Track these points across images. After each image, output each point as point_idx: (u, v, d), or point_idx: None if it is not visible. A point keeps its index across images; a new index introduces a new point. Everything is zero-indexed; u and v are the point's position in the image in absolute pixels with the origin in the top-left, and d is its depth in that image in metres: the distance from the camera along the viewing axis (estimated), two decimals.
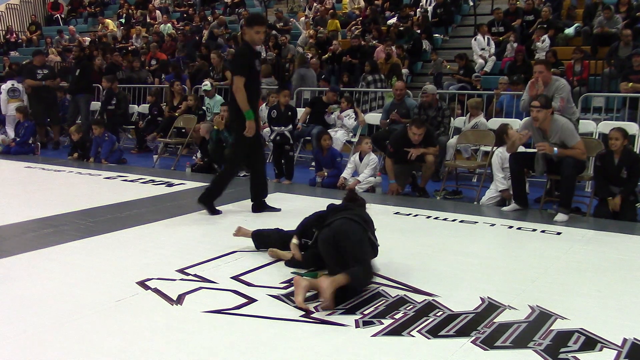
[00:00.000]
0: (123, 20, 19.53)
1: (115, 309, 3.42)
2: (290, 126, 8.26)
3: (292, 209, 6.01)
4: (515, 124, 7.65)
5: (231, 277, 3.96)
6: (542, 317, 3.35)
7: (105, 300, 3.53)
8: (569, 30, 12.11)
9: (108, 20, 19.78)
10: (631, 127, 7.58)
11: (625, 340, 3.06)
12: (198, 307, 3.45)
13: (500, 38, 12.31)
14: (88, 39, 18.08)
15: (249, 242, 4.58)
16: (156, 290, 3.71)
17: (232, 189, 7.18)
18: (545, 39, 11.39)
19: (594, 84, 10.20)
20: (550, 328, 3.20)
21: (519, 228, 5.51)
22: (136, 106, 12.42)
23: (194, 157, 9.38)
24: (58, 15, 22.18)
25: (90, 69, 12.27)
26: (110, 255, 4.47)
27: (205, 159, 8.88)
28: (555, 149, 5.84)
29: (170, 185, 7.51)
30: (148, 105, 11.77)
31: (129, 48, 16.48)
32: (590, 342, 3.04)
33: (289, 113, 8.31)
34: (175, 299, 3.58)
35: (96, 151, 9.66)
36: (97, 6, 21.92)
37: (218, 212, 5.86)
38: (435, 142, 7.24)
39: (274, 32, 14.86)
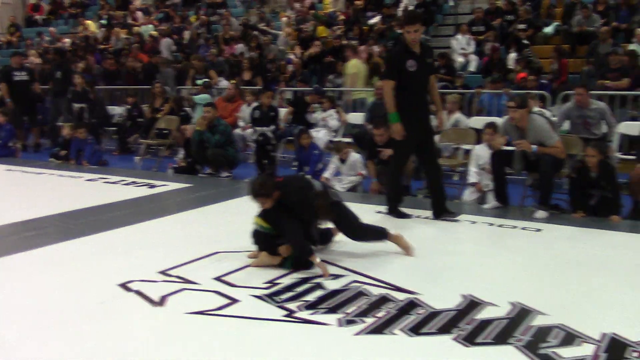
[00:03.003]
0: (104, 22, 19.39)
1: (97, 311, 3.41)
2: (273, 126, 8.27)
3: None
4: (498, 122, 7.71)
5: (213, 278, 3.96)
6: (522, 313, 3.39)
7: (87, 302, 3.52)
8: (548, 29, 12.24)
9: (89, 22, 19.60)
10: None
11: (603, 335, 3.11)
12: (181, 308, 3.45)
13: (480, 37, 12.40)
14: (68, 40, 17.92)
15: (231, 243, 4.58)
16: (138, 292, 3.70)
17: (214, 189, 7.19)
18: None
19: (573, 82, 10.30)
20: (531, 324, 3.24)
21: (499, 225, 5.56)
22: (117, 107, 12.34)
23: (176, 159, 9.35)
24: (38, 16, 21.96)
25: (72, 71, 12.18)
26: (93, 257, 4.44)
27: (189, 160, 8.85)
28: (534, 146, 5.91)
29: (152, 186, 7.47)
30: (128, 107, 11.68)
31: (110, 49, 16.37)
32: (570, 338, 3.08)
33: (272, 113, 8.31)
34: (157, 300, 3.57)
35: (76, 153, 9.58)
36: (78, 7, 21.72)
37: (407, 216, 5.82)
38: None
39: (255, 32, 14.86)
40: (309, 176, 5.12)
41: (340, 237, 4.63)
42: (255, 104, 9.05)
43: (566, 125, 7.40)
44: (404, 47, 5.53)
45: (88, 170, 8.94)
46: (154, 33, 16.28)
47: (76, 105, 11.16)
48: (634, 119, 8.24)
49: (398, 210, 5.83)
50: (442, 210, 5.72)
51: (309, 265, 4.11)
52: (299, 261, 4.15)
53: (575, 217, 5.79)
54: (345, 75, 11.18)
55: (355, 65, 11.04)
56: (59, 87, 11.67)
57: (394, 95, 5.49)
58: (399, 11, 14.33)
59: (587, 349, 2.95)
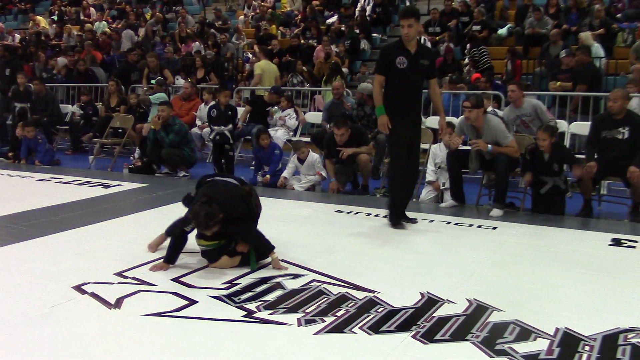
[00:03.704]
0: (55, 18, 18.92)
1: (49, 315, 3.31)
2: (231, 126, 8.22)
3: None
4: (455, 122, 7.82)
5: (171, 279, 3.91)
6: (479, 310, 3.44)
7: (38, 306, 3.42)
8: (502, 31, 12.49)
9: (39, 18, 19.12)
10: (561, 125, 7.87)
11: (557, 329, 3.18)
12: (137, 310, 3.39)
13: (437, 38, 12.56)
14: (18, 36, 17.44)
15: (189, 244, 4.51)
16: (93, 295, 3.61)
17: (171, 189, 7.09)
18: None
19: (531, 83, 10.54)
20: (487, 320, 3.30)
21: (456, 224, 5.64)
22: (70, 106, 12.05)
23: (131, 158, 9.19)
24: None
25: (21, 67, 11.85)
26: (45, 260, 4.32)
27: (144, 159, 8.71)
28: (489, 146, 6.02)
29: (107, 186, 7.33)
30: (81, 104, 11.41)
31: (62, 46, 15.99)
32: (525, 333, 3.14)
33: (229, 113, 8.26)
34: (113, 302, 3.49)
35: (27, 153, 9.33)
36: (28, 3, 21.15)
37: (413, 221, 5.61)
38: (367, 140, 7.35)
39: (212, 30, 14.73)
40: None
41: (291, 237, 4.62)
42: (212, 103, 8.96)
43: None
44: (398, 43, 5.41)
45: (40, 170, 8.71)
46: (108, 30, 15.98)
47: (18, 105, 10.84)
48: (584, 119, 8.45)
49: (404, 215, 5.57)
50: (402, 215, 5.57)
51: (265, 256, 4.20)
52: (260, 255, 4.22)
53: (525, 180, 6.10)
54: (255, 75, 11.23)
55: (260, 66, 11.10)
56: (7, 85, 11.34)
57: (383, 91, 5.35)
58: (356, 11, 14.43)
59: (542, 344, 3.01)
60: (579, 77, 9.08)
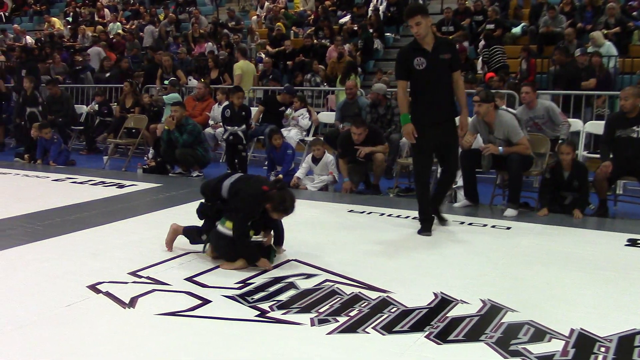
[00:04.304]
0: (70, 19, 19.07)
1: (65, 314, 3.34)
2: (244, 126, 8.24)
3: None
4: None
5: (185, 279, 3.92)
6: (493, 311, 3.42)
7: (54, 305, 3.44)
8: (516, 30, 12.42)
9: (54, 19, 19.30)
10: (575, 124, 7.82)
11: (572, 330, 3.15)
12: (151, 309, 3.40)
13: (450, 37, 12.50)
14: (30, 38, 17.59)
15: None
16: (108, 294, 3.63)
17: (185, 189, 7.12)
18: None
19: (540, 82, 10.47)
20: (501, 321, 3.27)
21: (470, 224, 5.62)
22: (84, 107, 12.14)
23: (145, 158, 9.24)
24: (2, 13, 21.51)
25: (37, 68, 11.95)
26: (60, 259, 4.35)
27: (158, 159, 8.75)
28: (500, 148, 5.97)
29: (121, 186, 7.37)
30: (93, 105, 11.49)
31: (76, 47, 16.12)
32: (540, 334, 3.11)
33: (243, 113, 8.27)
34: (127, 302, 3.51)
35: (42, 153, 9.41)
36: (43, 4, 21.34)
37: (444, 222, 5.49)
38: (382, 139, 7.34)
39: (225, 30, 14.78)
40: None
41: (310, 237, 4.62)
42: (226, 103, 8.99)
43: None
44: (413, 43, 5.12)
45: (55, 170, 8.78)
46: (121, 32, 16.09)
47: (28, 109, 10.92)
48: (599, 118, 8.39)
49: (438, 215, 5.46)
50: (431, 220, 5.36)
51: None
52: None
53: (540, 215, 5.87)
54: (235, 76, 11.25)
55: (240, 67, 11.13)
56: (23, 86, 11.42)
57: (409, 96, 5.14)
58: (369, 11, 14.41)
59: (557, 345, 2.98)
60: (557, 78, 9.08)
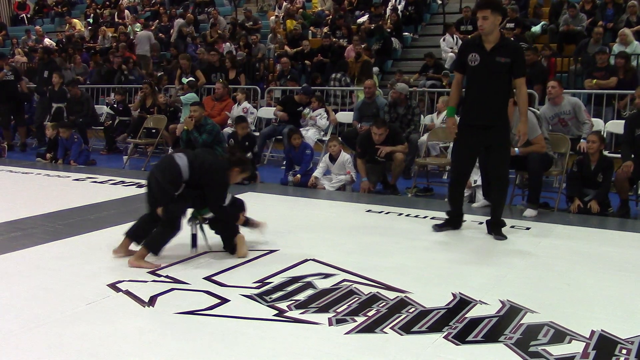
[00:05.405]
0: (91, 20, 19.27)
1: (85, 312, 3.38)
2: (250, 154, 7.98)
3: (263, 208, 5.98)
4: None
5: (204, 278, 3.94)
6: (512, 311, 3.39)
7: (75, 303, 3.48)
8: (536, 28, 12.30)
9: (75, 20, 19.50)
10: (597, 124, 7.73)
11: (593, 332, 3.12)
12: (170, 308, 3.43)
13: (469, 37, 12.43)
14: (49, 40, 17.79)
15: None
16: (127, 293, 3.67)
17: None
18: None
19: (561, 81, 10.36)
20: (521, 322, 3.25)
21: None
22: (105, 107, 12.27)
23: None
24: (24, 15, 21.78)
25: (59, 70, 12.09)
26: (80, 258, 4.40)
27: None
28: (517, 149, 5.92)
29: (140, 186, 7.40)
30: (112, 99, 11.61)
31: (97, 48, 16.28)
32: (560, 335, 3.09)
33: (247, 143, 8.03)
34: (147, 300, 3.54)
35: (63, 153, 9.52)
36: (64, 6, 21.58)
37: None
38: (402, 139, 7.33)
39: (243, 31, 14.83)
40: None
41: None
42: (231, 131, 8.78)
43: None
44: (476, 38, 4.95)
45: (75, 170, 8.88)
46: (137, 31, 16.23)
47: (55, 105, 11.07)
48: (620, 117, 8.28)
49: (457, 222, 5.36)
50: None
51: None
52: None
53: (573, 211, 5.87)
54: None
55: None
56: (46, 87, 11.57)
57: (459, 90, 5.05)
58: (388, 10, 14.37)
59: (577, 347, 2.96)
60: (531, 76, 8.99)
